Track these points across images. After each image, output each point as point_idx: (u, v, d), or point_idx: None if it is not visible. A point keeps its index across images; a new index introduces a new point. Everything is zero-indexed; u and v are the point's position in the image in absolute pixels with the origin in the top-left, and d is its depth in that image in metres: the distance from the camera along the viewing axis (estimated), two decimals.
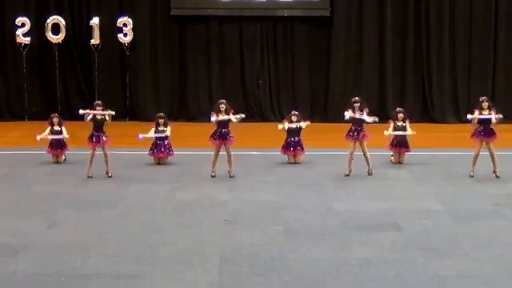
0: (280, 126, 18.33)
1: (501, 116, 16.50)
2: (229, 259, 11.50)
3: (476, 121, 16.54)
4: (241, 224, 13.39)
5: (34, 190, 15.79)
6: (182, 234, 12.77)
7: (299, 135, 18.19)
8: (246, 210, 14.32)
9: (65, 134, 18.18)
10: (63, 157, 18.24)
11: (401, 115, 18.17)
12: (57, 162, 18.09)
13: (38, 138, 18.19)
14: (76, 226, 13.28)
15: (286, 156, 18.25)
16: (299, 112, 18.82)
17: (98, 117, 16.82)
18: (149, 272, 10.97)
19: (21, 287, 10.49)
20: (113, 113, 17.00)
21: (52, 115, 18.41)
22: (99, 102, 17.20)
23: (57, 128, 18.19)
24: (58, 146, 18.19)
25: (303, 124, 18.19)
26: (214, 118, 16.60)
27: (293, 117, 18.19)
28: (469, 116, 16.87)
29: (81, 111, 17.05)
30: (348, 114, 16.78)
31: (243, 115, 16.99)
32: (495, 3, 24.74)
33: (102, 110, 16.91)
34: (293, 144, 18.09)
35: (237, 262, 11.38)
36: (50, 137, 18.19)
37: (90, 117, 16.79)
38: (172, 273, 10.96)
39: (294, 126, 18.06)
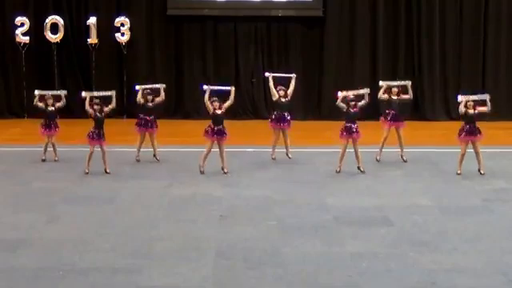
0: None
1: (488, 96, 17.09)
2: (223, 253, 11.70)
3: (464, 107, 16.80)
4: (235, 219, 13.56)
5: (33, 186, 15.94)
6: (178, 229, 12.96)
7: (287, 110, 18.11)
8: (240, 205, 14.49)
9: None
10: (53, 139, 18.21)
11: (395, 89, 18.11)
12: (51, 157, 18.17)
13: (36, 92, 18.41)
14: (74, 221, 13.45)
15: (274, 152, 18.25)
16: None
17: (99, 114, 17.04)
18: (145, 266, 11.15)
19: (20, 281, 10.64)
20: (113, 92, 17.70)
21: (46, 96, 18.34)
22: (97, 100, 17.40)
23: (51, 108, 18.12)
24: (50, 126, 18.10)
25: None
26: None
27: (280, 91, 18.09)
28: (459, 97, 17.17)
29: (83, 93, 17.47)
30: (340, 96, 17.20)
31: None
32: (485, 3, 24.95)
33: (100, 107, 17.09)
34: (281, 118, 17.95)
35: (231, 257, 11.58)
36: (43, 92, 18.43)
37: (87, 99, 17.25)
38: (168, 267, 11.15)
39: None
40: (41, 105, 18.07)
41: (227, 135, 16.97)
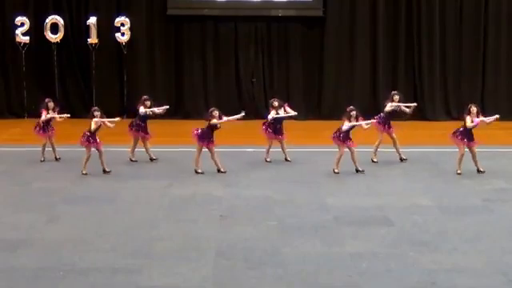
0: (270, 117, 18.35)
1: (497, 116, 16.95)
2: (224, 253, 11.69)
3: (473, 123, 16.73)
4: (235, 219, 13.56)
5: (33, 186, 15.96)
6: (178, 229, 12.96)
7: (281, 123, 18.15)
8: (240, 205, 14.50)
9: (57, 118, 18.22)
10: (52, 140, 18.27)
11: (396, 97, 18.20)
12: (50, 157, 18.17)
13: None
14: (74, 221, 13.45)
15: (268, 155, 18.26)
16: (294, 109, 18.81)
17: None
18: (145, 266, 11.14)
19: (20, 281, 10.63)
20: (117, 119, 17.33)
21: (47, 100, 18.35)
22: (96, 107, 17.34)
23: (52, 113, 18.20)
24: (47, 128, 18.14)
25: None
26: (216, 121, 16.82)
27: (274, 102, 18.16)
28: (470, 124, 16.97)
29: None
30: (346, 125, 16.96)
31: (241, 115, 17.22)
32: (484, 4, 24.99)
33: (100, 115, 16.94)
34: (275, 130, 18.04)
35: (231, 257, 11.57)
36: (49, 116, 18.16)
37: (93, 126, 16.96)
38: (168, 267, 11.14)
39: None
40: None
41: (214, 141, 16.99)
